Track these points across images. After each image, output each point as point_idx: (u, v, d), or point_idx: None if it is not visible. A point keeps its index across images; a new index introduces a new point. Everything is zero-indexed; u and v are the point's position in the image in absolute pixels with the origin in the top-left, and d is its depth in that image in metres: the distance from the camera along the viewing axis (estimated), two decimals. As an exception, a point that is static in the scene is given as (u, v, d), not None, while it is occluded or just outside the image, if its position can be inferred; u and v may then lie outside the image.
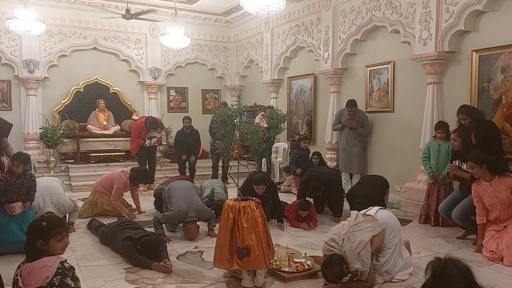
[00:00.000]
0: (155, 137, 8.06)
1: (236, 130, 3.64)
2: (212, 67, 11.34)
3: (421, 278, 3.68)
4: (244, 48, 11.03)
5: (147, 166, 8.14)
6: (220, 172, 8.63)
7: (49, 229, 2.42)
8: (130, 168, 6.21)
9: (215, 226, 4.92)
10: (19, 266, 2.38)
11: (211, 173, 8.75)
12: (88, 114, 9.53)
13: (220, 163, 8.42)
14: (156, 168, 8.61)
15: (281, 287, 3.55)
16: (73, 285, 2.33)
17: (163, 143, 8.66)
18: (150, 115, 9.22)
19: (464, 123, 4.99)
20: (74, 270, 2.41)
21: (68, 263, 2.39)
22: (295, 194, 6.87)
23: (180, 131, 8.54)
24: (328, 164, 7.71)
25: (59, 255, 2.42)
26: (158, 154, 9.31)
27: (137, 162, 8.34)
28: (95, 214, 5.90)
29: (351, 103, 6.97)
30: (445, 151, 5.31)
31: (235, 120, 3.59)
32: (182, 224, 4.97)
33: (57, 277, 2.27)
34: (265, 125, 6.25)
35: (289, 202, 6.39)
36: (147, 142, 7.99)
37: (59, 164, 8.80)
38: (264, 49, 9.92)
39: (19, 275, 2.32)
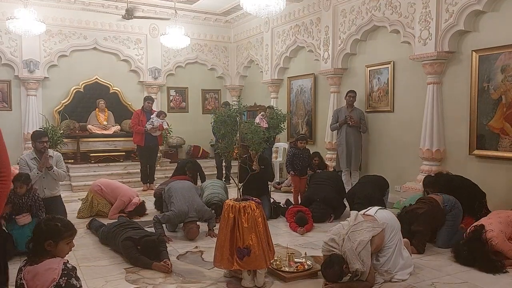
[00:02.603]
0: (156, 122, 8.00)
1: (237, 130, 3.64)
2: (212, 67, 11.34)
3: (421, 278, 3.70)
4: (244, 48, 11.03)
5: (147, 166, 8.14)
6: (225, 171, 8.64)
7: (62, 231, 2.44)
8: (142, 200, 6.20)
9: (215, 226, 4.93)
10: (20, 269, 2.36)
11: (215, 173, 8.72)
12: (88, 114, 9.52)
13: (224, 163, 8.46)
14: (156, 168, 8.59)
15: (281, 287, 3.56)
16: (78, 285, 2.34)
17: (164, 127, 8.45)
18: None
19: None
20: (76, 270, 2.41)
21: (70, 264, 2.40)
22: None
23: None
24: (327, 164, 7.72)
25: (61, 257, 2.42)
26: (158, 154, 9.30)
27: (138, 162, 8.35)
28: (92, 214, 5.92)
29: (351, 90, 7.18)
30: None
31: (237, 120, 3.59)
32: (182, 224, 4.97)
33: (63, 278, 2.29)
34: (265, 125, 6.26)
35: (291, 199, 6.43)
36: (148, 126, 7.88)
37: (59, 164, 8.80)
38: (264, 49, 9.92)
39: (23, 279, 2.32)
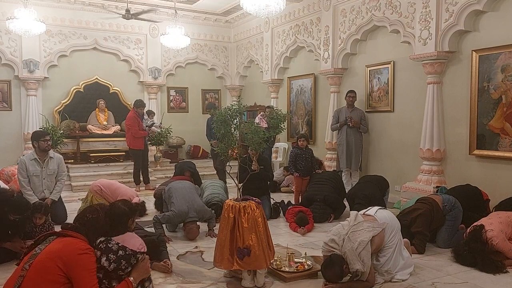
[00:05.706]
0: (154, 123, 8.07)
1: (236, 130, 3.64)
2: (212, 67, 11.34)
3: (421, 278, 3.70)
4: (244, 48, 11.03)
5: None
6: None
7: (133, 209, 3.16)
8: (142, 201, 6.12)
9: (215, 226, 4.93)
10: (105, 240, 2.54)
11: (215, 173, 8.68)
12: (88, 114, 9.53)
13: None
14: (156, 168, 8.56)
15: (281, 287, 3.56)
16: None
17: (157, 129, 8.47)
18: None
19: None
20: None
21: None
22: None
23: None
24: (326, 164, 7.72)
25: None
26: (158, 154, 9.30)
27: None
28: None
29: (351, 91, 7.20)
30: None
31: (235, 120, 3.58)
32: (182, 224, 4.97)
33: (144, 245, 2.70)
34: (265, 125, 6.25)
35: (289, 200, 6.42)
36: (154, 129, 7.92)
37: (59, 164, 8.79)
38: (264, 49, 9.92)
39: (118, 243, 2.54)
